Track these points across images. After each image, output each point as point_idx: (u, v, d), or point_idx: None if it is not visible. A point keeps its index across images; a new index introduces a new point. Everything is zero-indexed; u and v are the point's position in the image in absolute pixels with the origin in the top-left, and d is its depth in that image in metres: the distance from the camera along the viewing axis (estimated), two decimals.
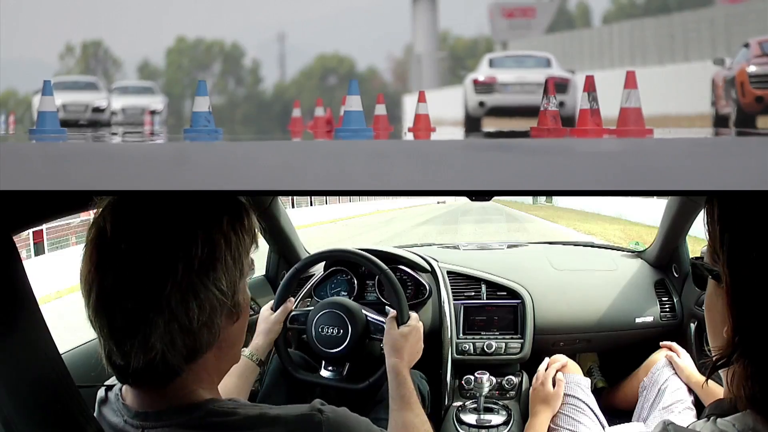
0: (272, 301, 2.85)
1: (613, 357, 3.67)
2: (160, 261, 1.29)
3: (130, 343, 1.29)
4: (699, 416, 2.82)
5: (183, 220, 1.32)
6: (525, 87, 13.69)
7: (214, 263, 1.32)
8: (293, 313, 2.84)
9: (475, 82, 13.24)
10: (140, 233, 1.30)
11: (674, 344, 3.18)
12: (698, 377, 2.98)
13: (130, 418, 1.35)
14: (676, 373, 3.02)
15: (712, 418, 1.21)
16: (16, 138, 9.93)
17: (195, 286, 1.30)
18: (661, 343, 3.24)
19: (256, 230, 1.45)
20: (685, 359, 3.08)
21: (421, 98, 8.86)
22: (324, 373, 2.77)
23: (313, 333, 2.77)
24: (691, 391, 2.98)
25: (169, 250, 1.29)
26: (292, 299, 2.86)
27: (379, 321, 2.72)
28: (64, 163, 4.34)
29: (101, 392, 1.44)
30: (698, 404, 2.95)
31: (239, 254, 1.37)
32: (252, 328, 3.42)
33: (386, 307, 2.75)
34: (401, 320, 2.45)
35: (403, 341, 2.34)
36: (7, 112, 23.92)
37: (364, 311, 2.80)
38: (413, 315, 2.49)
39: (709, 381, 2.96)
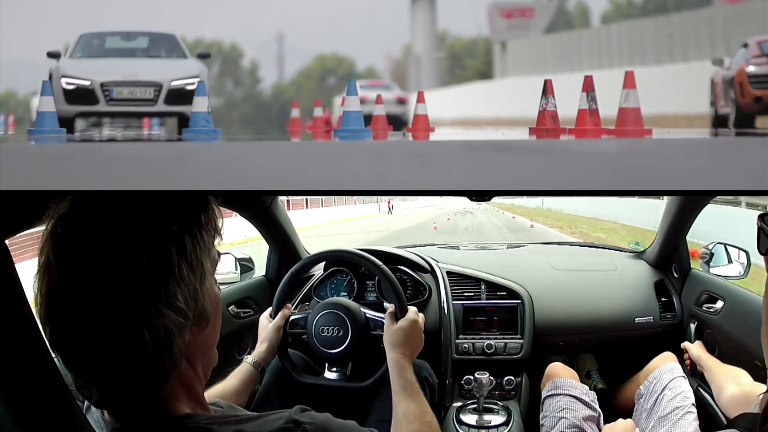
0: (270, 308, 2.85)
1: (613, 357, 3.67)
2: (102, 288, 1.18)
3: (86, 376, 1.23)
4: (701, 416, 2.83)
5: (122, 237, 1.20)
6: (388, 102, 17.55)
7: (165, 279, 1.21)
8: (292, 318, 2.83)
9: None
10: (78, 259, 1.20)
11: (690, 345, 3.24)
12: (705, 356, 3.05)
13: None
14: (678, 377, 3.03)
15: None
16: (15, 139, 9.92)
17: (145, 312, 1.19)
18: (682, 345, 3.27)
19: (218, 221, 1.31)
20: (692, 347, 3.16)
21: (420, 98, 8.87)
22: (328, 374, 2.76)
23: (314, 335, 2.77)
24: (690, 383, 3.00)
25: (110, 275, 1.18)
26: (290, 305, 2.86)
27: (378, 317, 2.73)
28: (63, 164, 4.34)
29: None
30: (699, 405, 2.95)
31: (197, 257, 1.25)
32: (252, 330, 3.42)
33: (384, 303, 2.75)
34: (400, 314, 2.45)
35: (402, 335, 2.33)
36: (6, 113, 23.82)
37: (362, 309, 2.80)
38: (411, 309, 2.48)
39: (714, 359, 3.00)
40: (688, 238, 3.67)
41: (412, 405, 2.06)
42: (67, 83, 9.86)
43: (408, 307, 2.51)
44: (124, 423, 1.30)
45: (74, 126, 10.04)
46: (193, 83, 9.79)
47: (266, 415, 1.32)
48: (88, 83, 9.84)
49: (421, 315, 2.48)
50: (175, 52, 10.84)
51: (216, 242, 1.31)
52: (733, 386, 2.71)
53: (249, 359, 2.60)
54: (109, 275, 1.19)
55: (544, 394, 3.08)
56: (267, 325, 2.75)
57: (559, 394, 3.00)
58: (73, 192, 1.28)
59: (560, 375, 3.11)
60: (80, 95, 9.83)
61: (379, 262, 2.84)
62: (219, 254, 1.34)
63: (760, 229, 1.22)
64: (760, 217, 1.22)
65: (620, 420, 2.80)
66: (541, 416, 3.03)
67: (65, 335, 1.22)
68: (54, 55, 10.38)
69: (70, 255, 1.21)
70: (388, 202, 32.13)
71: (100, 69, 10.04)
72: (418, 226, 22.95)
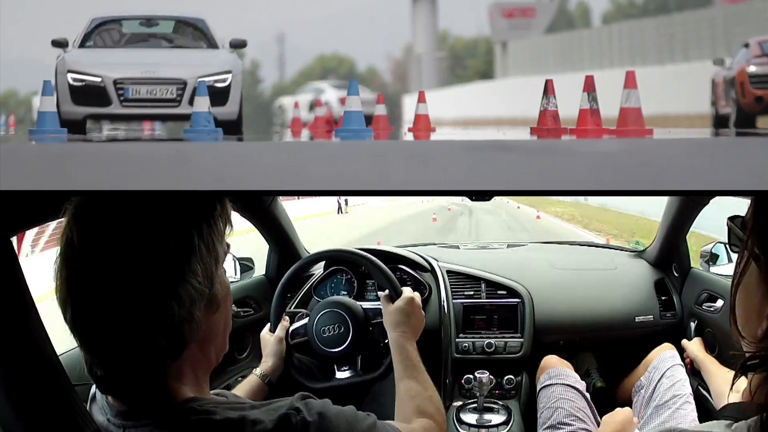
0: (268, 324, 2.85)
1: (613, 356, 3.68)
2: (134, 267, 1.25)
3: (111, 357, 1.28)
4: (698, 407, 2.83)
5: (151, 221, 1.28)
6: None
7: (188, 257, 1.29)
8: (292, 328, 2.83)
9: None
10: (108, 241, 1.26)
11: (689, 344, 3.24)
12: (703, 356, 3.06)
13: (113, 417, 1.34)
14: (676, 365, 3.03)
15: (727, 422, 1.13)
16: (16, 139, 9.92)
17: (171, 285, 1.28)
18: (682, 342, 3.27)
19: (230, 214, 1.41)
20: (691, 346, 3.17)
21: (421, 98, 8.86)
22: (339, 374, 2.75)
23: (317, 338, 2.76)
24: (690, 381, 3.00)
25: (141, 255, 1.26)
26: (287, 318, 2.86)
27: (375, 306, 2.73)
28: (64, 164, 4.34)
29: (92, 390, 1.43)
30: (698, 396, 2.96)
31: (213, 242, 1.34)
32: (252, 329, 3.42)
33: (379, 292, 2.76)
34: (395, 296, 2.43)
35: (399, 314, 2.32)
36: (7, 113, 23.83)
37: (359, 302, 2.81)
38: (406, 288, 2.47)
39: (713, 361, 2.99)
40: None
41: (412, 382, 2.05)
42: (74, 79, 8.25)
43: (403, 287, 2.50)
44: (130, 405, 1.33)
45: (85, 129, 8.61)
46: (224, 80, 8.32)
47: (269, 403, 1.36)
48: (98, 80, 8.22)
49: (416, 293, 2.46)
50: (204, 41, 9.03)
51: (227, 231, 1.39)
52: (733, 394, 2.71)
53: (257, 371, 2.60)
54: (138, 254, 1.26)
55: (539, 386, 3.09)
56: (269, 339, 2.75)
57: (554, 384, 3.00)
58: (74, 192, 1.29)
59: (554, 365, 3.12)
60: (89, 94, 8.21)
61: (363, 252, 2.86)
62: (228, 245, 1.41)
63: (730, 230, 1.24)
64: (730, 219, 1.25)
65: (618, 409, 2.80)
66: (538, 409, 3.03)
67: (92, 316, 1.26)
68: (60, 44, 8.72)
69: (97, 237, 1.26)
70: (339, 198, 25.81)
71: (114, 62, 8.36)
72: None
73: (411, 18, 41.22)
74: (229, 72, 8.38)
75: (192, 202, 1.34)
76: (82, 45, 8.87)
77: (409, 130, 9.16)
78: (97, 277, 1.25)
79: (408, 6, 41.23)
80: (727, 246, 3.42)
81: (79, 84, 8.26)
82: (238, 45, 8.97)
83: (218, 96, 8.00)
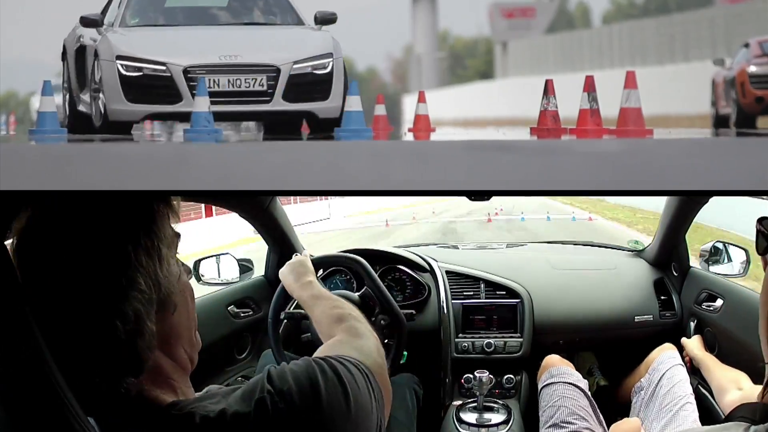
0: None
1: (613, 355, 3.68)
2: (72, 299, 1.24)
3: (77, 384, 1.27)
4: (698, 405, 2.83)
5: (79, 239, 1.25)
6: None
7: (125, 271, 1.25)
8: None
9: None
10: (44, 278, 1.25)
11: (688, 342, 3.27)
12: (702, 354, 3.08)
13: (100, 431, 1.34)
14: (676, 365, 3.04)
15: (745, 425, 1.10)
16: (16, 139, 9.93)
17: (113, 304, 1.24)
18: (681, 340, 3.28)
19: (174, 205, 1.35)
20: (690, 344, 3.19)
21: (421, 98, 8.86)
22: None
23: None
24: (690, 380, 3.00)
25: (76, 285, 1.23)
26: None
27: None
28: (63, 164, 4.34)
29: None
30: (697, 394, 2.96)
31: (152, 243, 1.28)
32: (252, 330, 3.40)
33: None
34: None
35: (282, 277, 2.29)
36: (7, 113, 23.84)
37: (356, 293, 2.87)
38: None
39: (713, 358, 3.01)
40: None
41: (316, 309, 1.97)
42: (127, 68, 6.49)
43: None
44: (115, 419, 1.32)
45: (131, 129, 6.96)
46: (324, 65, 6.51)
47: (241, 389, 1.31)
48: (162, 68, 6.41)
49: (296, 254, 2.42)
50: (285, 16, 6.96)
51: (167, 223, 1.33)
52: (735, 390, 2.71)
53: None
54: (70, 277, 1.24)
55: (540, 384, 3.08)
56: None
57: (556, 383, 3.00)
58: (73, 192, 1.29)
59: (556, 364, 3.12)
60: (150, 87, 6.47)
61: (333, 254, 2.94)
62: (177, 235, 1.36)
63: (758, 232, 1.24)
64: (759, 221, 1.24)
65: (626, 419, 2.80)
66: (540, 408, 3.03)
67: (50, 353, 1.25)
68: (92, 23, 6.79)
69: (35, 275, 1.26)
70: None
71: (181, 44, 6.41)
72: None
73: (411, 18, 41.22)
74: (329, 56, 6.57)
75: (126, 203, 1.29)
76: (123, 23, 6.90)
77: (409, 130, 9.16)
78: (42, 313, 1.25)
79: (408, 6, 41.24)
80: (725, 245, 3.42)
81: (135, 74, 6.55)
82: (326, 20, 6.88)
83: (319, 87, 6.44)
